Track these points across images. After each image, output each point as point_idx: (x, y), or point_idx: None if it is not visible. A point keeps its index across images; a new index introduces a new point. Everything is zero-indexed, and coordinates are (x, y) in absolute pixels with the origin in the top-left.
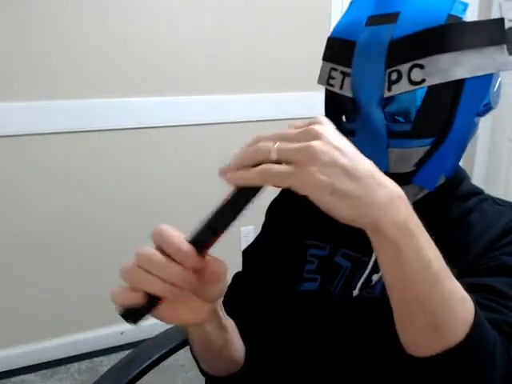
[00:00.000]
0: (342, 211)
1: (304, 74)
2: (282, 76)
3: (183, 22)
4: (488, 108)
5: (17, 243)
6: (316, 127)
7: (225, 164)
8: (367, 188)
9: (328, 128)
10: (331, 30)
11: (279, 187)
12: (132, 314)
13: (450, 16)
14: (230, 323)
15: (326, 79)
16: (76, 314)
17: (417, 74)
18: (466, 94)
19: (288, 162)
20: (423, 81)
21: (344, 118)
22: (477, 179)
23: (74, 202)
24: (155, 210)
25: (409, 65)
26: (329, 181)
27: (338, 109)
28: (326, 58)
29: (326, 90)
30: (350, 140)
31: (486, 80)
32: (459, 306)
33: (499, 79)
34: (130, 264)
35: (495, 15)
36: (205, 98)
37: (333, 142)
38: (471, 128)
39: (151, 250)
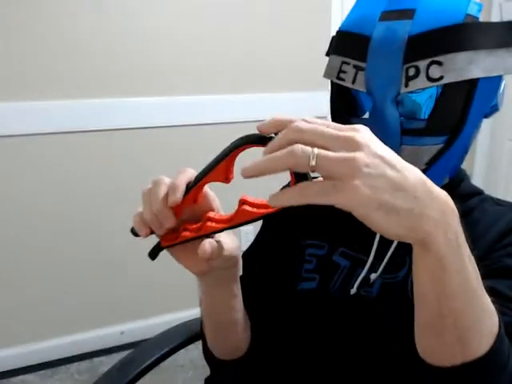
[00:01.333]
0: (390, 227)
1: (304, 74)
2: (282, 76)
3: (183, 21)
4: (494, 110)
5: (17, 243)
6: (357, 136)
7: (250, 164)
8: (417, 200)
9: (371, 137)
10: (331, 30)
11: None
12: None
13: (467, 15)
14: (241, 304)
15: (335, 73)
16: (76, 314)
17: (435, 71)
18: (478, 94)
19: (326, 173)
20: (441, 78)
21: (352, 114)
22: (477, 179)
23: (74, 202)
24: None
25: (427, 61)
26: (375, 195)
27: (345, 104)
28: (336, 51)
29: (333, 85)
30: None
31: (496, 81)
32: (488, 321)
33: (504, 82)
34: (146, 188)
35: (495, 16)
36: (205, 98)
37: (377, 151)
38: (477, 129)
39: (162, 180)
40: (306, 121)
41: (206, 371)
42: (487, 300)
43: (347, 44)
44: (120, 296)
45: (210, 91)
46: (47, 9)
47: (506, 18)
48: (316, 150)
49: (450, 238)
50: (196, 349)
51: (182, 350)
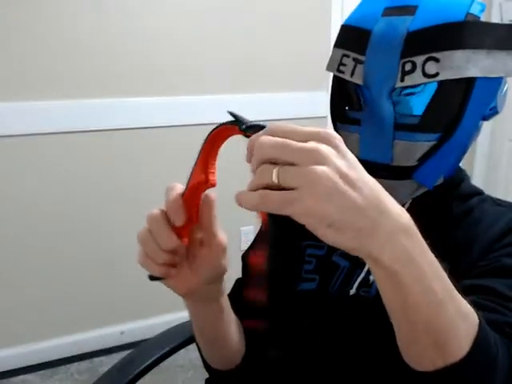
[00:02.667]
0: (338, 242)
1: (304, 74)
2: (282, 76)
3: (183, 21)
4: (493, 112)
5: (17, 243)
6: (321, 149)
7: (240, 196)
8: (369, 220)
9: (337, 147)
10: (331, 30)
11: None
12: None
13: (468, 14)
14: (231, 316)
15: (336, 66)
16: (76, 314)
17: (431, 67)
18: (475, 94)
19: (289, 188)
20: (437, 74)
21: (349, 107)
22: (477, 179)
23: (74, 202)
24: None
25: (424, 57)
26: (328, 213)
27: (344, 97)
28: (338, 44)
29: (334, 78)
30: (355, 129)
31: (496, 83)
32: (463, 323)
33: (506, 85)
34: (142, 229)
35: (495, 15)
36: (205, 98)
37: (339, 168)
38: (475, 130)
39: (156, 212)
40: (272, 132)
41: (206, 371)
42: (461, 303)
43: (349, 38)
44: (120, 296)
45: (210, 91)
46: (47, 9)
47: (506, 17)
48: (275, 169)
49: (398, 254)
50: (196, 349)
51: (182, 350)
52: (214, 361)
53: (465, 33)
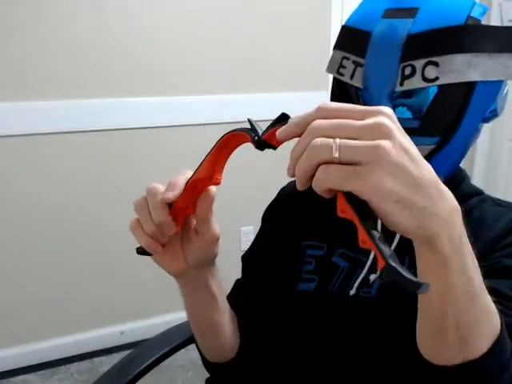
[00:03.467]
0: (402, 221)
1: (304, 74)
2: (282, 76)
3: (183, 22)
4: (494, 114)
5: (17, 243)
6: (385, 122)
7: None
8: (431, 199)
9: (397, 124)
10: (331, 30)
11: (335, 191)
12: (143, 251)
13: (469, 17)
14: (224, 306)
15: (336, 68)
16: (76, 314)
17: (431, 72)
18: (475, 98)
19: (351, 163)
20: (436, 79)
21: None
22: (477, 179)
23: (74, 202)
24: None
25: (424, 61)
26: (397, 189)
27: (344, 100)
28: (338, 46)
29: (334, 80)
30: None
31: (496, 86)
32: (489, 321)
33: (506, 87)
34: (140, 197)
35: (495, 15)
36: (205, 98)
37: (402, 143)
38: (475, 133)
39: (155, 186)
40: (325, 114)
41: (206, 371)
42: (489, 300)
43: (349, 39)
44: (120, 296)
45: (210, 91)
46: (47, 9)
47: (506, 18)
48: (338, 141)
49: (454, 238)
50: (196, 349)
51: (181, 350)
52: (208, 352)
53: (465, 36)
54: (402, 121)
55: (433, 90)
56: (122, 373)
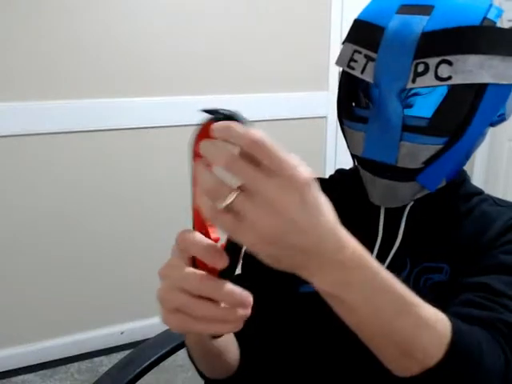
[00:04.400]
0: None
1: (304, 74)
2: (282, 76)
3: (183, 22)
4: (501, 119)
5: (17, 243)
6: (299, 177)
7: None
8: (306, 257)
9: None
10: (331, 30)
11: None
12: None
13: (485, 19)
14: (230, 346)
15: (346, 61)
16: (76, 314)
17: (444, 70)
18: (485, 100)
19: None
20: (449, 78)
21: (356, 104)
22: (477, 179)
23: (74, 202)
24: (155, 210)
25: (438, 59)
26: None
27: (352, 94)
28: (349, 39)
29: (343, 73)
30: (361, 127)
31: (507, 90)
32: (430, 330)
33: None
34: (165, 289)
35: None
36: (204, 98)
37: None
38: (481, 136)
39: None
40: (252, 143)
41: None
42: (421, 313)
43: (361, 33)
44: (120, 296)
45: (210, 91)
46: (47, 9)
47: (506, 18)
48: (234, 193)
49: (335, 282)
50: None
51: (181, 350)
52: (208, 373)
53: (480, 38)
54: (409, 119)
55: (441, 93)
56: (121, 373)
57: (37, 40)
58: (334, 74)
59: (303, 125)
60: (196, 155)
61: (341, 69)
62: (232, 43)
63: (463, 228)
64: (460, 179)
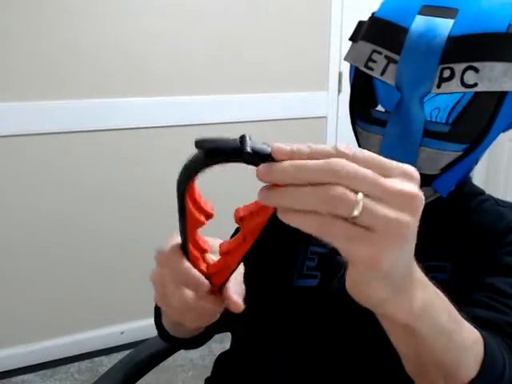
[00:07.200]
0: (372, 294)
1: (304, 74)
2: (282, 76)
3: (183, 22)
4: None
5: (17, 243)
6: (418, 195)
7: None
8: (411, 284)
9: (421, 196)
10: (331, 30)
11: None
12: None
13: (510, 26)
14: None
15: (364, 61)
16: (76, 314)
17: (470, 77)
18: (505, 108)
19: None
20: (475, 85)
21: (373, 106)
22: (477, 179)
23: (74, 202)
24: (155, 211)
25: (464, 65)
26: (393, 265)
27: (368, 95)
28: (367, 38)
29: (357, 72)
30: (378, 130)
31: None
32: (471, 351)
33: None
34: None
35: None
36: (204, 98)
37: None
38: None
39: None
40: (347, 156)
41: (206, 371)
42: (467, 331)
43: (381, 32)
44: (120, 296)
45: (210, 91)
46: (47, 9)
47: None
48: (362, 201)
49: (414, 311)
50: (196, 349)
51: (181, 350)
52: (174, 331)
53: (507, 45)
54: (430, 124)
55: (465, 98)
56: (122, 373)
57: (37, 40)
58: (334, 74)
59: (303, 125)
60: (189, 190)
61: (341, 69)
62: (232, 43)
63: (466, 228)
64: (462, 180)
